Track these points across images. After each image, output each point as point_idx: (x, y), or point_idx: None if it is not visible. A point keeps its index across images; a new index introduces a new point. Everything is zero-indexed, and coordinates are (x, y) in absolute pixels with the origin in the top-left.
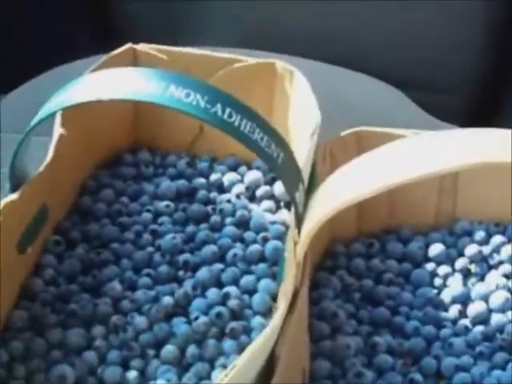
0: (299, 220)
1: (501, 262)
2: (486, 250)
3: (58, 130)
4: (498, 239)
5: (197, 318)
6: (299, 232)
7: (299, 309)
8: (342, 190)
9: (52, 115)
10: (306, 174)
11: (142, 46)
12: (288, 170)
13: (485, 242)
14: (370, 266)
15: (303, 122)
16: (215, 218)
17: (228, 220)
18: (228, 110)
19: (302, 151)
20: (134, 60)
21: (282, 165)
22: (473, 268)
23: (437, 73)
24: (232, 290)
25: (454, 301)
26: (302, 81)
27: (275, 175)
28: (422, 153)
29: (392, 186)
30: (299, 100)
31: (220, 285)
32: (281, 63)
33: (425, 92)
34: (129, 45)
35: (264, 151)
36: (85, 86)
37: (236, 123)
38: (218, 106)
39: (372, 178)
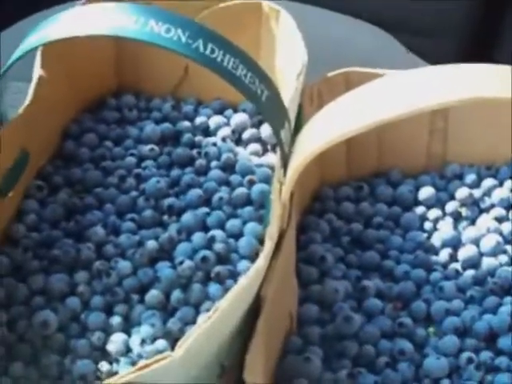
0: (285, 160)
1: (492, 206)
2: (477, 193)
3: (37, 71)
4: (489, 182)
5: (182, 263)
6: (285, 172)
7: (285, 250)
8: (327, 128)
9: (28, 53)
10: (292, 114)
11: None
12: (273, 107)
13: (476, 185)
14: (359, 209)
15: (290, 62)
16: (200, 162)
17: (213, 163)
18: (210, 46)
19: (289, 91)
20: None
21: (266, 102)
22: (464, 211)
23: (426, 16)
24: (218, 233)
25: (444, 244)
26: (288, 20)
27: (259, 113)
28: (409, 89)
29: (380, 123)
30: (286, 40)
31: (205, 229)
32: (267, 3)
33: (414, 35)
34: None
35: (248, 88)
36: (62, 23)
37: (219, 59)
38: (200, 41)
39: (359, 115)
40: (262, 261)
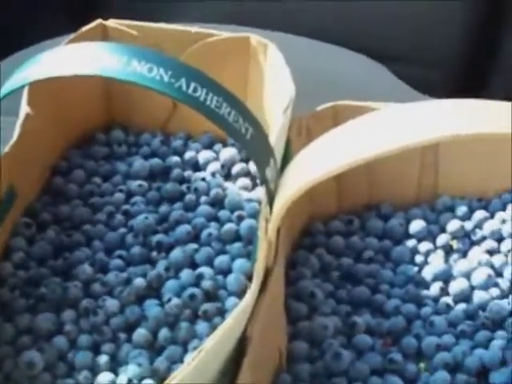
0: (271, 197)
1: (483, 238)
2: (469, 225)
3: (24, 108)
4: (480, 214)
5: (169, 300)
6: (271, 210)
7: (272, 288)
8: (314, 165)
9: (12, 93)
10: (278, 150)
11: (111, 22)
12: (258, 145)
13: (467, 217)
14: (350, 243)
15: (278, 96)
16: (190, 197)
17: (203, 199)
18: (193, 85)
19: (276, 126)
20: (104, 36)
21: (251, 140)
22: (455, 244)
23: (419, 46)
24: (206, 270)
25: (435, 278)
26: (276, 54)
27: (244, 151)
28: (397, 125)
29: (367, 160)
30: (274, 74)
31: (194, 265)
32: (255, 37)
33: (406, 65)
34: (98, 21)
35: (231, 126)
36: (46, 62)
37: (202, 98)
38: (183, 80)
39: (347, 152)
40: (247, 300)
